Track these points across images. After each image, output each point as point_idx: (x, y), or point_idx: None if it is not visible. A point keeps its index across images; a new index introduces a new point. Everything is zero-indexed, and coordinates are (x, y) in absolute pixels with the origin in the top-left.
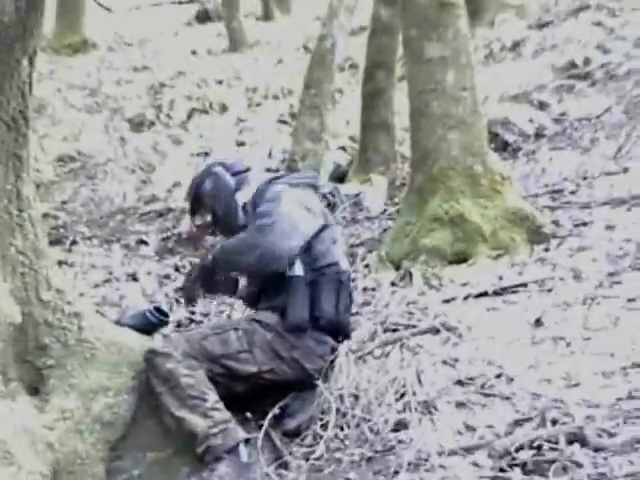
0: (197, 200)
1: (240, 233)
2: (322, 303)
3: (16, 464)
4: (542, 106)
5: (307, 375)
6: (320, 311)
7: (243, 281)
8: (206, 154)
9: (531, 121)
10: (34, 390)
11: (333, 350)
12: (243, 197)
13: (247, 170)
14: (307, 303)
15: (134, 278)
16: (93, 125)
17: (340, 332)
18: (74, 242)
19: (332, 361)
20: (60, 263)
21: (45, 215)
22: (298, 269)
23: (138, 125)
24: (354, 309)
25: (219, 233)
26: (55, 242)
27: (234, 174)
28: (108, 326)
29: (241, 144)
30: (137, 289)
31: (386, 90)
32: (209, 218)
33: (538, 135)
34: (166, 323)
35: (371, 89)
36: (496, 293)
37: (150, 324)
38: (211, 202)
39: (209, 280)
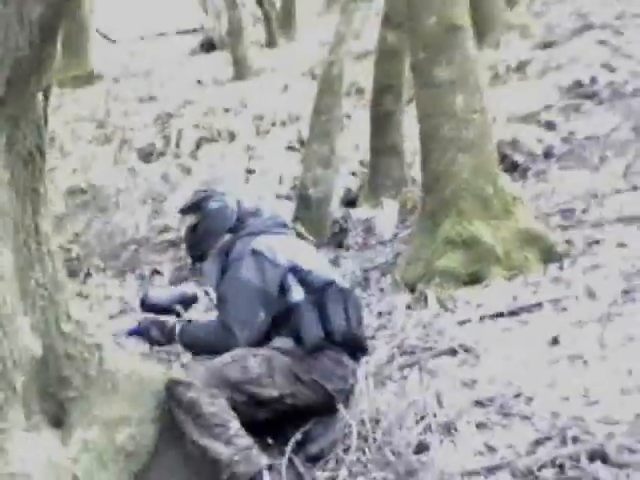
0: (195, 207)
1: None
2: (332, 317)
3: None
4: (550, 126)
5: (328, 396)
6: (331, 325)
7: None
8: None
9: (539, 141)
10: (57, 422)
11: (353, 373)
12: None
13: (255, 216)
14: (318, 321)
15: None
16: (102, 156)
17: (356, 346)
18: (88, 274)
19: (352, 386)
20: (75, 295)
21: (58, 248)
22: (297, 294)
23: (147, 155)
24: (370, 332)
25: (184, 245)
26: (69, 275)
27: (239, 218)
28: (128, 357)
29: (251, 171)
30: (154, 319)
31: (394, 114)
32: (190, 227)
33: (547, 155)
34: (196, 300)
35: (379, 113)
36: (511, 313)
37: (185, 299)
38: (202, 218)
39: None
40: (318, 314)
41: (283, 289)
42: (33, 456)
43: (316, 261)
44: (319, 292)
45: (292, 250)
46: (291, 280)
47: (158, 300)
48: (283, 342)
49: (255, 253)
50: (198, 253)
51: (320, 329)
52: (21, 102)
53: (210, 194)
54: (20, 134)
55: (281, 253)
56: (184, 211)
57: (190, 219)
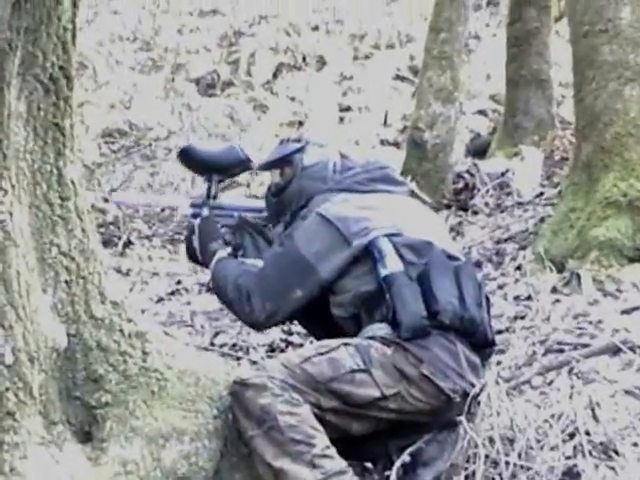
0: (283, 161)
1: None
2: (438, 293)
3: None
4: None
5: (443, 400)
6: (437, 303)
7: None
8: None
9: None
10: (86, 435)
11: (474, 370)
12: None
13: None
14: (419, 296)
15: (209, 289)
16: (148, 88)
17: (476, 334)
18: (129, 243)
19: (478, 394)
20: (112, 270)
21: (90, 207)
22: (393, 264)
23: (208, 87)
24: (504, 323)
25: (266, 206)
26: (104, 243)
27: (345, 170)
28: (180, 350)
29: (346, 109)
30: (213, 303)
31: (539, 33)
32: (275, 186)
33: None
34: (251, 166)
35: (519, 32)
36: None
37: (237, 160)
38: (293, 175)
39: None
40: (421, 289)
41: (374, 261)
42: (53, 479)
43: (430, 231)
44: (422, 264)
45: (390, 216)
46: (386, 249)
47: (201, 155)
48: (377, 329)
49: (321, 218)
50: (282, 221)
51: (422, 307)
52: (41, 9)
53: (304, 144)
54: (39, 53)
55: (364, 224)
56: (268, 166)
57: (275, 177)
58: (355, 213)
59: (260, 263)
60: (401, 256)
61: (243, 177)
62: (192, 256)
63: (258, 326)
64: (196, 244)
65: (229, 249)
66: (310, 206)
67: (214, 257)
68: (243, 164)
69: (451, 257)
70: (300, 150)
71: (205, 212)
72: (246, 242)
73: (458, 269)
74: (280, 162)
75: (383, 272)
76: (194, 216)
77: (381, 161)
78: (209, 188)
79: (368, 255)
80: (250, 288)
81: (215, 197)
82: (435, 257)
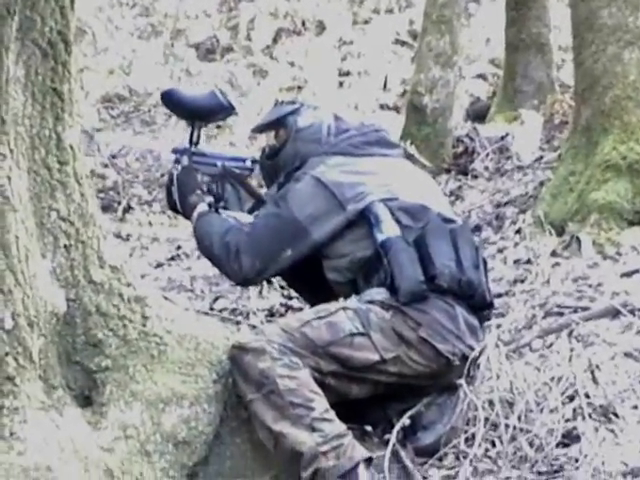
0: (277, 123)
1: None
2: (435, 257)
3: None
4: None
5: (442, 363)
6: (434, 267)
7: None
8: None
9: None
10: (86, 400)
11: (473, 332)
12: None
13: (364, 135)
14: (417, 260)
15: None
16: (148, 54)
17: (475, 296)
18: (128, 208)
19: (477, 357)
20: (111, 235)
21: (89, 173)
22: (390, 228)
23: (208, 52)
24: (504, 287)
25: (260, 168)
26: (104, 209)
27: (340, 133)
28: (180, 315)
29: (345, 74)
30: (213, 268)
31: None
32: (269, 149)
33: None
34: (235, 112)
35: None
36: None
37: (219, 106)
38: (287, 137)
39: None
40: (418, 253)
41: (370, 226)
42: (54, 444)
43: (426, 195)
44: (418, 228)
45: (385, 180)
46: (382, 213)
47: (183, 98)
48: (376, 293)
49: (317, 181)
50: (276, 183)
51: (419, 272)
52: None
53: (299, 106)
54: (37, 17)
55: (359, 189)
56: (262, 127)
57: (270, 139)
58: (350, 178)
59: (242, 215)
60: (397, 220)
61: (242, 142)
62: (172, 207)
63: (245, 283)
64: (175, 196)
65: (209, 199)
66: (304, 168)
67: (195, 211)
68: (226, 110)
69: (447, 220)
70: (294, 112)
71: (185, 161)
72: (228, 193)
73: (454, 232)
74: (274, 124)
75: (380, 237)
76: (176, 162)
77: (376, 124)
78: (191, 134)
79: (364, 220)
80: (240, 246)
81: (197, 143)
82: (431, 221)
